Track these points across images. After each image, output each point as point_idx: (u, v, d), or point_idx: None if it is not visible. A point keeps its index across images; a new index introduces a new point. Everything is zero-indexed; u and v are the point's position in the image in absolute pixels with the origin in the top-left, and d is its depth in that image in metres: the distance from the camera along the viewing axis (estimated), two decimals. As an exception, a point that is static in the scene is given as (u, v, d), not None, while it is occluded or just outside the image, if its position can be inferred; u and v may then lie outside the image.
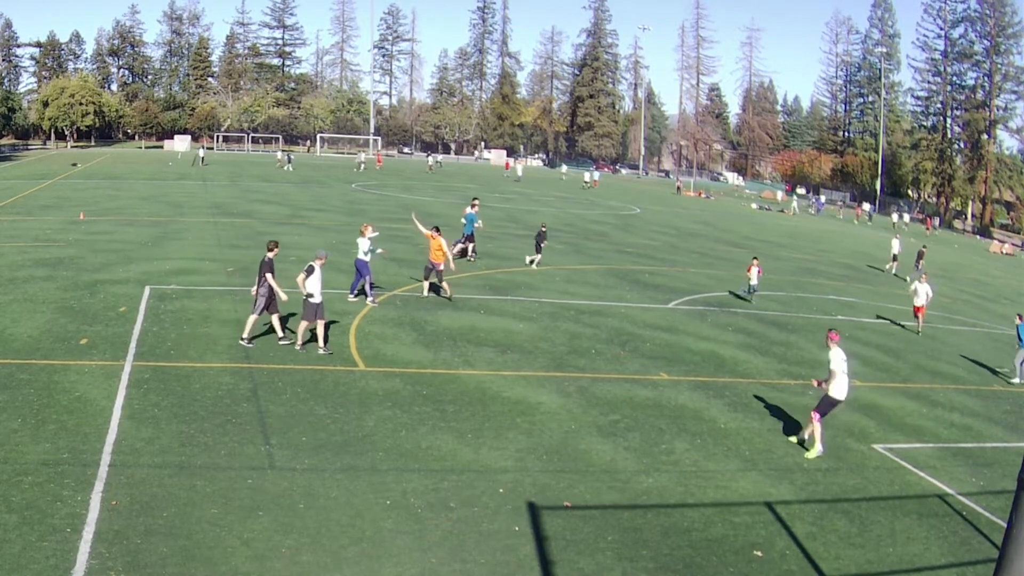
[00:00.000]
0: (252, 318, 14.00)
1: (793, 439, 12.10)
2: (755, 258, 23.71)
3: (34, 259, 19.98)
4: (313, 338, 14.03)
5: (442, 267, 18.52)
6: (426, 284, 18.87)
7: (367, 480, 9.31)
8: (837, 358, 11.77)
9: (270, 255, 14.19)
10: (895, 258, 35.36)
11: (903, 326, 22.68)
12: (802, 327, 20.71)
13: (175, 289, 17.51)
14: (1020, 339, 18.48)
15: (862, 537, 9.33)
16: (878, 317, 23.65)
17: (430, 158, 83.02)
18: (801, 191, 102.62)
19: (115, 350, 13.02)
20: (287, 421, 10.75)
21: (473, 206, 25.26)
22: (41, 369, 11.88)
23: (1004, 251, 62.69)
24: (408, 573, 7.51)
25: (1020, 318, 18.82)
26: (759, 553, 8.62)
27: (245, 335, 13.97)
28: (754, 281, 22.82)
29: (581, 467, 10.36)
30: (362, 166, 69.54)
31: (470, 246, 24.49)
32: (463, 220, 25.09)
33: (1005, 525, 4.28)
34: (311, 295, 13.66)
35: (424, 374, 13.29)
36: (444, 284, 18.66)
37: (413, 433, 10.81)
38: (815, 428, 11.64)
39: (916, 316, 22.46)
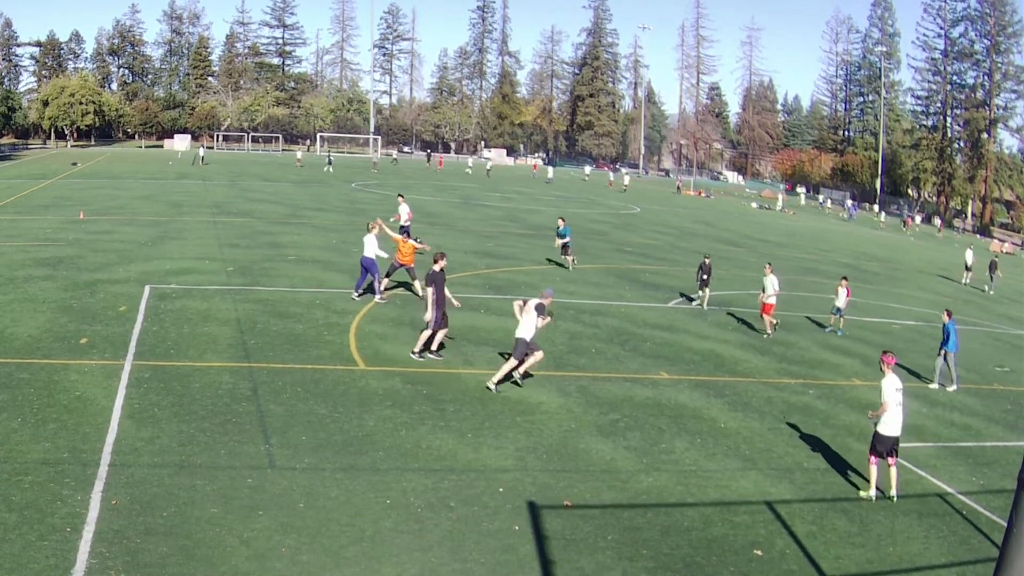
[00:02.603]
0: (441, 332, 13.91)
1: (863, 494, 10.43)
2: (844, 278, 20.91)
3: (34, 259, 19.97)
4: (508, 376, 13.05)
5: (412, 266, 18.57)
6: (386, 280, 18.78)
7: (367, 480, 9.31)
8: (889, 387, 10.37)
9: (436, 267, 13.83)
10: (968, 268, 35.66)
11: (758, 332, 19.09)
12: (802, 327, 20.72)
13: (175, 288, 17.51)
14: (948, 339, 16.41)
15: (862, 536, 9.33)
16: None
17: (488, 162, 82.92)
18: (802, 190, 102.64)
19: (115, 349, 13.02)
20: (287, 421, 10.76)
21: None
22: (41, 369, 11.88)
23: (1004, 250, 62.71)
24: (408, 573, 7.51)
25: (948, 315, 16.80)
26: (759, 552, 8.62)
27: (436, 349, 14.02)
28: (841, 303, 20.09)
29: (581, 466, 10.36)
30: (375, 165, 70.01)
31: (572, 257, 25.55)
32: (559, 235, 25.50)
33: (1005, 524, 4.28)
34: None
35: (424, 373, 13.28)
36: (416, 283, 18.68)
37: (413, 433, 10.81)
38: (871, 469, 10.42)
39: (763, 316, 19.00)
